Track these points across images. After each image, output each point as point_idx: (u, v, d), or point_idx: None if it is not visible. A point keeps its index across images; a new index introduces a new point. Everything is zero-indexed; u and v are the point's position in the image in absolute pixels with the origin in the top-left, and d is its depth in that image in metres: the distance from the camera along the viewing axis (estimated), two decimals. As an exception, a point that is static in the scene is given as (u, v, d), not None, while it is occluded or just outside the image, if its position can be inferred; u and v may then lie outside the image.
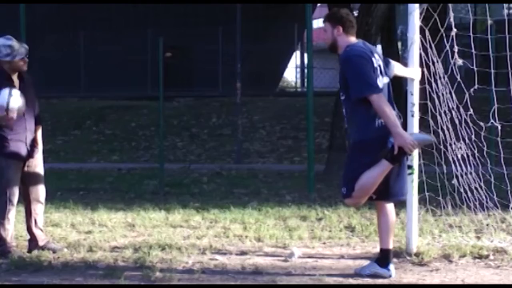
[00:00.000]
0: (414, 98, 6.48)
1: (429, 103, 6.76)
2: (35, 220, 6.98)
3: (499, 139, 7.03)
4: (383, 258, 6.03)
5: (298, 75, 33.28)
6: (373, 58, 5.85)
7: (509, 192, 6.97)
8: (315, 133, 12.80)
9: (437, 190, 7.22)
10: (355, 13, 14.89)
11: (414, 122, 6.48)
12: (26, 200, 7.01)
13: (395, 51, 17.02)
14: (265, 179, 12.26)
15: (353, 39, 5.95)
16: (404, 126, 6.54)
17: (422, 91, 6.67)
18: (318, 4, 27.27)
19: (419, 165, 6.60)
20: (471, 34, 6.86)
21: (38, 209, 7.00)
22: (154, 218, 8.61)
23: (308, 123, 10.84)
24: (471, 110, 6.66)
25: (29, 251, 6.92)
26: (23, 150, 6.85)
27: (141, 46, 24.88)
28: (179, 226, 8.24)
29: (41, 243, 6.96)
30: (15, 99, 6.61)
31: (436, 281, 5.94)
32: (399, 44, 21.53)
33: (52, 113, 20.44)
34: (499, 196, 7.13)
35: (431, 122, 6.84)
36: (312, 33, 11.36)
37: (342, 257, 6.65)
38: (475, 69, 6.70)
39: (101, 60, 25.08)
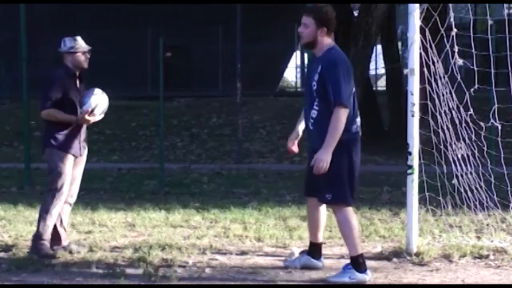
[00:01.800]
0: (414, 98, 6.47)
1: (429, 103, 6.76)
2: (61, 219, 6.93)
3: (499, 139, 7.03)
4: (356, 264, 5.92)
5: (298, 75, 33.27)
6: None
7: (509, 192, 6.97)
8: (315, 133, 12.78)
9: (437, 190, 7.21)
10: (355, 13, 14.94)
11: (415, 122, 6.47)
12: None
13: (395, 50, 17.03)
14: (265, 179, 12.26)
15: (331, 39, 5.90)
16: (405, 126, 6.55)
17: (423, 91, 6.66)
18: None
19: (419, 164, 6.60)
20: (471, 34, 6.86)
21: (65, 209, 6.96)
22: (154, 218, 8.61)
23: (308, 123, 10.81)
24: (471, 110, 6.66)
25: (53, 249, 6.85)
26: (77, 147, 6.91)
27: (141, 46, 24.88)
28: (179, 226, 8.23)
29: (63, 243, 6.92)
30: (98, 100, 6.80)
31: (436, 281, 5.94)
32: (399, 43, 21.53)
33: (52, 113, 20.43)
34: (499, 196, 7.13)
35: (431, 122, 6.84)
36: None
37: (342, 257, 6.64)
38: (475, 69, 6.70)
39: (101, 60, 25.04)
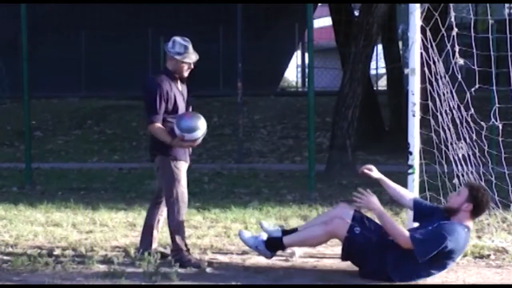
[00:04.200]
0: (415, 97, 6.47)
1: (430, 103, 6.76)
2: (158, 221, 6.78)
3: (500, 138, 7.02)
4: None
5: (299, 75, 33.26)
6: None
7: (510, 191, 6.96)
8: (316, 132, 12.78)
9: (438, 190, 7.21)
10: (356, 13, 14.93)
11: (415, 121, 6.48)
12: (157, 198, 6.79)
13: (396, 50, 17.02)
14: (266, 179, 12.26)
15: (470, 222, 5.96)
16: (405, 125, 6.54)
17: (423, 91, 6.66)
18: (319, 4, 27.26)
19: (420, 164, 6.60)
20: (472, 33, 6.86)
21: (165, 212, 6.76)
22: (155, 218, 8.59)
23: (309, 122, 10.83)
24: (472, 109, 6.66)
25: (139, 250, 6.69)
26: (187, 153, 6.65)
27: (141, 45, 24.88)
28: (180, 226, 8.22)
29: (154, 245, 6.77)
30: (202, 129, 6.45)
31: (437, 280, 5.93)
32: (400, 43, 21.51)
33: (53, 113, 20.44)
34: (500, 195, 7.13)
35: (432, 121, 6.84)
36: (313, 33, 11.32)
37: (343, 256, 6.64)
38: (476, 68, 6.69)
39: (102, 60, 25.09)
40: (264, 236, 6.30)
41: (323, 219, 6.31)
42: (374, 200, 5.97)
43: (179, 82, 6.74)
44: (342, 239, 6.01)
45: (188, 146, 6.55)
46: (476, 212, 5.94)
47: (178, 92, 6.71)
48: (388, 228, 5.85)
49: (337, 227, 6.00)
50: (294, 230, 6.38)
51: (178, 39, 6.72)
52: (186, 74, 6.75)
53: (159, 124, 6.51)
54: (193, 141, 6.45)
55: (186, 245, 6.61)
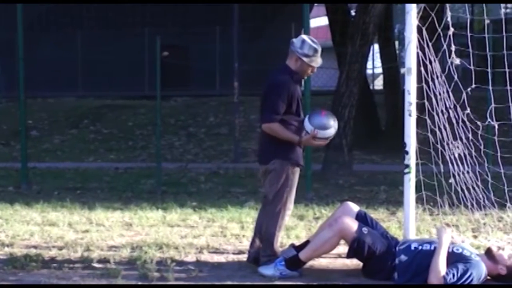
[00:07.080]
0: (412, 97, 6.47)
1: (426, 102, 6.76)
2: (280, 227, 6.46)
3: (496, 138, 7.03)
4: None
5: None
6: None
7: (506, 191, 6.97)
8: (312, 132, 12.75)
9: (434, 189, 7.20)
10: (353, 12, 14.94)
11: (412, 121, 6.47)
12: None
13: (392, 50, 17.04)
14: (262, 178, 12.25)
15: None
16: (402, 125, 6.54)
17: (420, 90, 6.65)
18: (315, 4, 27.27)
19: (416, 164, 6.59)
20: (468, 33, 6.86)
21: (287, 215, 6.44)
22: (151, 217, 8.60)
23: (305, 122, 10.80)
24: (468, 109, 6.66)
25: (249, 253, 6.49)
26: (302, 157, 6.47)
27: (138, 45, 24.87)
28: (176, 226, 8.23)
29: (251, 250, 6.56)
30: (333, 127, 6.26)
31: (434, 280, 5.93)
32: (397, 43, 21.53)
33: (49, 112, 20.42)
34: (496, 195, 7.13)
35: (428, 121, 6.84)
36: (310, 32, 11.31)
37: (339, 256, 6.64)
38: (472, 68, 6.70)
39: (98, 59, 25.08)
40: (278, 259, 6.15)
41: (329, 222, 6.31)
42: (448, 236, 5.95)
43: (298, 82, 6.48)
44: (349, 239, 5.99)
45: (318, 144, 6.43)
46: (502, 276, 5.88)
47: (300, 93, 6.42)
48: (436, 260, 5.74)
49: (345, 226, 5.99)
50: (307, 242, 6.31)
51: (307, 40, 6.39)
52: (305, 76, 6.57)
53: (279, 124, 6.24)
54: (324, 139, 6.28)
55: (276, 246, 6.33)
